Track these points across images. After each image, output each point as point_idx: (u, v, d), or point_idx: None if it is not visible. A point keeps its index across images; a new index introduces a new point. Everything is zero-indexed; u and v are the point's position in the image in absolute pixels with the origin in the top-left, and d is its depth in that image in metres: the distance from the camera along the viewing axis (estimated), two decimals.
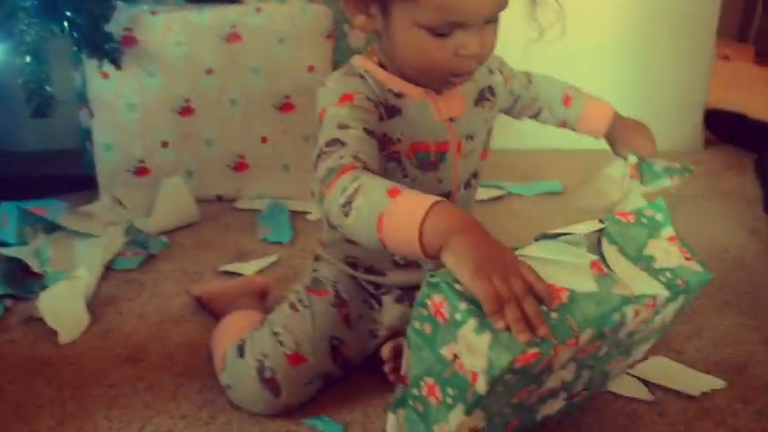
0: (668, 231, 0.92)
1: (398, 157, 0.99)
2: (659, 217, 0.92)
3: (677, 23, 2.26)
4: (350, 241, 1.05)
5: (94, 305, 1.30)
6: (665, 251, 0.89)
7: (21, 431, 0.98)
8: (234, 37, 1.70)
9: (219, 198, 1.80)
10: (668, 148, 2.30)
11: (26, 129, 2.05)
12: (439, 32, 0.90)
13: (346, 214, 0.81)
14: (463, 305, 0.73)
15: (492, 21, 0.93)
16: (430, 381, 0.78)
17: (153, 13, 1.66)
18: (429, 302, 0.76)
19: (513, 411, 0.83)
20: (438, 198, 0.79)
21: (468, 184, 1.08)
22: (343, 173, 0.84)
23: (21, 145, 2.10)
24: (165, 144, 1.74)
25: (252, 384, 1.00)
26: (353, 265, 1.09)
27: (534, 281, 0.75)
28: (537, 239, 0.84)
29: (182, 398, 1.05)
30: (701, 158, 2.26)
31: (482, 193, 1.78)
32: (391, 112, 0.98)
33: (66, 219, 1.50)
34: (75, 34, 1.38)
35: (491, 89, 1.09)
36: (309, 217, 1.69)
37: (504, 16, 0.95)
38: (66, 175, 1.87)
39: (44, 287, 1.32)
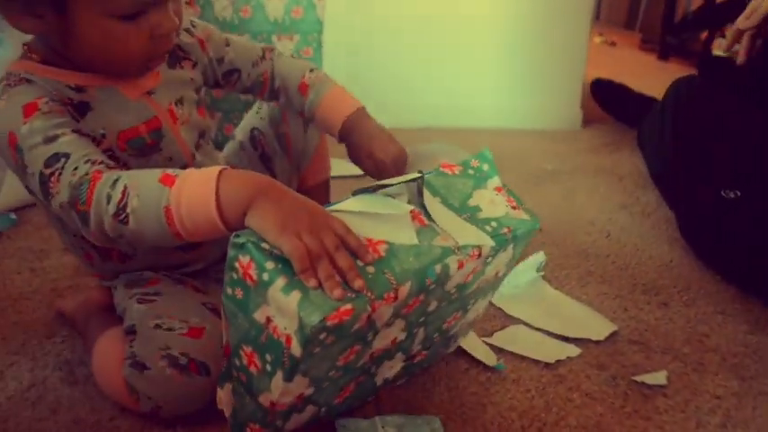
0: (495, 182, 0.90)
1: (113, 154, 0.88)
2: (486, 167, 0.91)
3: (555, 8, 2.30)
4: (124, 258, 0.97)
5: None
6: (491, 201, 0.87)
7: None
8: None
9: None
10: (548, 127, 2.35)
11: None
12: (130, 16, 0.82)
13: (124, 222, 0.75)
14: (270, 264, 0.69)
15: None
16: (248, 349, 0.74)
17: None
18: (237, 265, 0.71)
19: (344, 376, 0.79)
20: (219, 167, 0.74)
21: (198, 147, 1.00)
22: (94, 182, 0.76)
23: None
24: None
25: (178, 382, 0.83)
26: (153, 269, 1.00)
27: (345, 234, 0.72)
28: (354, 194, 0.81)
29: (9, 377, 0.97)
30: (580, 136, 2.30)
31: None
32: (81, 109, 0.86)
33: None
34: None
35: (180, 48, 1.00)
36: None
37: None
38: None
39: None
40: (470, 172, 0.90)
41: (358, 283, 0.69)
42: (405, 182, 0.81)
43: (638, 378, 1.04)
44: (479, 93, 2.35)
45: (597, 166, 2.01)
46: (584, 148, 2.19)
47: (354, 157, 1.07)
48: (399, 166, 1.03)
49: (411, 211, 0.79)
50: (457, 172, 0.89)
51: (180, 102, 0.97)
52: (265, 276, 0.69)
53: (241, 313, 0.72)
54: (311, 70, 1.10)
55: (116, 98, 0.90)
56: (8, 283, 1.22)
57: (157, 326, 0.87)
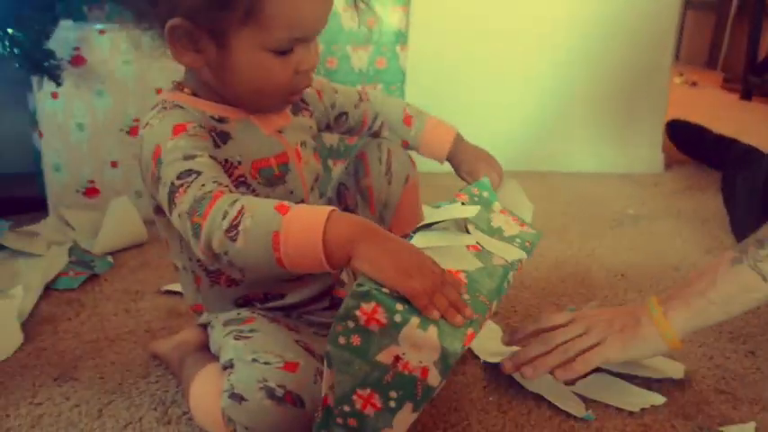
0: (497, 205, 1.01)
1: (245, 180, 0.97)
2: (486, 194, 1.02)
3: (635, 49, 2.31)
4: (231, 283, 1.03)
5: (31, 324, 1.27)
6: (506, 222, 1.00)
7: None
8: None
9: None
10: (629, 171, 2.34)
11: None
12: (282, 51, 0.91)
13: (233, 239, 0.79)
14: (399, 306, 0.75)
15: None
16: (365, 392, 0.78)
17: (101, 32, 1.65)
18: (358, 313, 0.75)
19: None
20: (330, 207, 0.79)
21: (312, 189, 1.08)
22: (216, 198, 0.81)
23: None
24: (114, 164, 1.72)
25: (274, 412, 0.85)
26: (247, 302, 1.05)
27: (441, 271, 0.79)
28: (415, 231, 0.90)
29: (107, 416, 1.02)
30: (662, 180, 2.28)
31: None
32: (223, 137, 0.96)
33: (8, 238, 1.49)
34: (15, 50, 1.36)
35: (301, 98, 1.09)
36: None
37: None
38: (19, 197, 1.84)
39: None
40: (476, 199, 1.00)
41: (468, 311, 0.78)
42: (454, 219, 0.91)
43: (726, 429, 1.03)
44: (559, 137, 2.36)
45: (680, 209, 1.99)
46: (667, 191, 2.16)
47: (463, 175, 1.21)
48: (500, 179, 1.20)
49: (468, 245, 0.90)
50: (467, 200, 0.99)
51: (304, 144, 1.06)
52: (398, 318, 0.75)
53: (359, 359, 0.76)
54: (407, 105, 1.23)
55: (253, 131, 0.99)
56: (106, 324, 1.28)
57: (254, 360, 0.90)
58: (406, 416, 0.78)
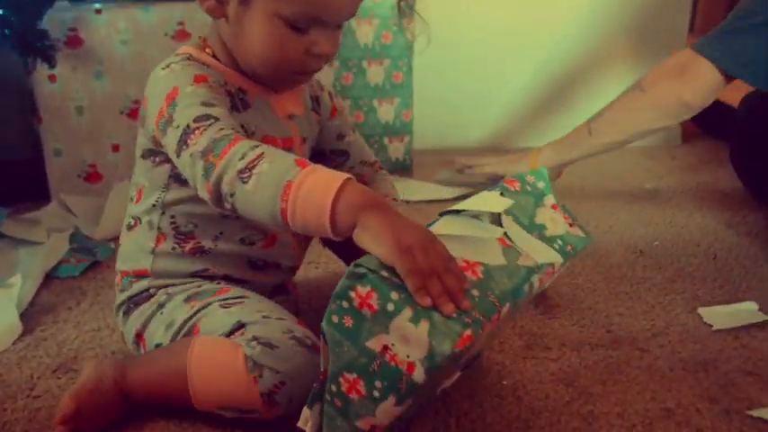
0: (550, 199, 0.95)
1: None
2: (541, 185, 0.96)
3: (650, 18, 2.25)
4: (196, 252, 1.00)
5: (31, 313, 1.25)
6: (552, 219, 0.93)
7: None
8: (182, 35, 1.66)
9: None
10: (646, 143, 2.28)
11: None
12: (297, 27, 0.90)
13: (244, 180, 0.78)
14: (394, 295, 0.72)
15: (341, 25, 0.95)
16: (351, 376, 0.75)
17: (97, 11, 1.61)
18: (353, 294, 0.73)
19: (428, 394, 0.81)
20: (348, 175, 0.77)
21: None
22: (235, 141, 0.81)
23: None
24: (115, 148, 1.69)
25: (307, 358, 0.87)
26: (207, 279, 1.03)
27: (449, 258, 0.75)
28: (442, 215, 0.85)
29: None
30: (678, 153, 2.24)
31: (448, 193, 1.73)
32: (244, 104, 0.97)
33: (7, 226, 1.47)
34: (6, 31, 1.33)
35: (317, 100, 1.12)
36: None
37: None
38: (21, 185, 1.80)
39: None
40: (528, 188, 0.94)
41: (465, 304, 0.73)
42: (490, 212, 0.85)
43: (755, 413, 0.98)
44: (572, 109, 2.29)
45: (698, 183, 1.94)
46: (684, 165, 2.12)
47: None
48: None
49: (499, 238, 0.83)
50: (518, 188, 0.93)
51: (305, 140, 1.08)
52: (390, 306, 0.72)
53: (348, 342, 0.74)
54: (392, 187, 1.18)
55: (267, 109, 1.01)
56: (107, 312, 1.25)
57: (266, 317, 0.91)
58: (389, 408, 0.75)
